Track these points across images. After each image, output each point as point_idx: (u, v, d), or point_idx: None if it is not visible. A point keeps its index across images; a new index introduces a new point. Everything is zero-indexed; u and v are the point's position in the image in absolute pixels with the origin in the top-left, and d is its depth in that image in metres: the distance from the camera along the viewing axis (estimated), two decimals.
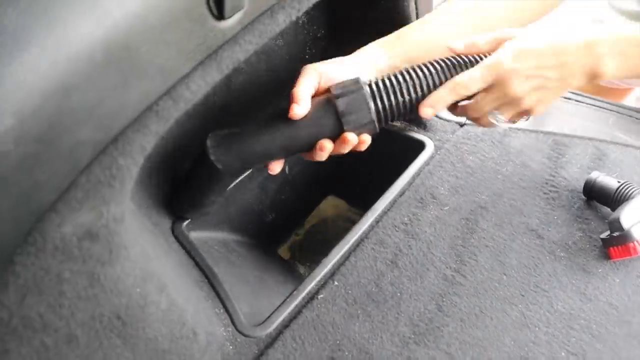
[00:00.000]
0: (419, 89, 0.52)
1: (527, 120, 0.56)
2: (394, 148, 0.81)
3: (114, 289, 0.39)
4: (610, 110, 0.83)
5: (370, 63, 0.58)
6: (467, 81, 0.52)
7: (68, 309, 0.36)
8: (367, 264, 0.62)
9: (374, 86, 0.52)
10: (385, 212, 0.67)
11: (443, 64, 0.53)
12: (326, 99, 0.52)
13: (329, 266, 0.61)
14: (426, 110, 0.52)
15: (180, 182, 0.62)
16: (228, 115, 0.67)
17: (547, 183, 0.71)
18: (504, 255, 0.63)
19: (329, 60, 0.57)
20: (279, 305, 0.57)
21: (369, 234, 0.65)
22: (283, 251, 0.85)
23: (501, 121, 0.54)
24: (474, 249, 0.63)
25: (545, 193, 0.70)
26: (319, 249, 0.83)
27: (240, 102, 0.68)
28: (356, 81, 0.51)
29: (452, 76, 0.52)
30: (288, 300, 0.58)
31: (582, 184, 0.69)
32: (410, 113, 0.53)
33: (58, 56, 0.30)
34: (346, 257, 0.62)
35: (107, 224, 0.37)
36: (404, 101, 0.52)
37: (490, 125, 0.55)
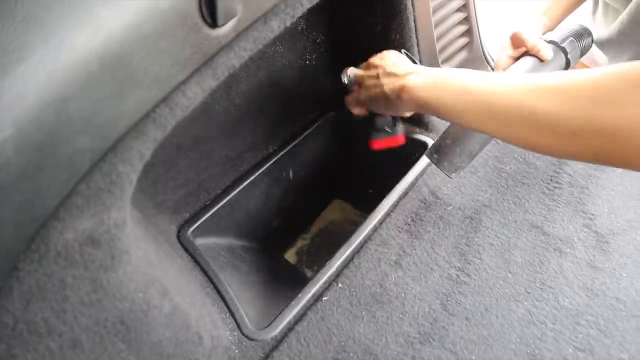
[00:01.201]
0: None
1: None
2: (398, 150, 0.81)
3: (117, 294, 0.40)
4: None
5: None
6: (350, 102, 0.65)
7: (72, 314, 0.37)
8: (371, 266, 0.62)
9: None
10: (388, 214, 0.67)
11: None
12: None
13: (333, 268, 0.61)
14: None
15: None
16: (230, 122, 0.68)
17: (551, 180, 0.71)
18: (508, 252, 0.62)
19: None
20: (284, 309, 0.58)
21: (373, 236, 0.65)
22: (290, 255, 0.85)
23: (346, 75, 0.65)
24: (478, 248, 0.63)
25: (549, 190, 0.70)
26: (326, 252, 0.83)
27: (241, 109, 0.68)
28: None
29: None
30: (293, 303, 0.58)
31: (588, 180, 0.69)
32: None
33: (55, 67, 0.31)
34: (350, 259, 0.63)
35: (109, 229, 0.38)
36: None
37: None
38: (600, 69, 0.39)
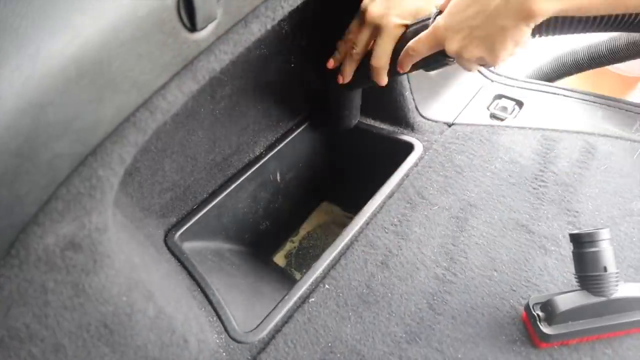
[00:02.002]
0: None
1: (484, 65, 0.57)
2: (384, 151, 0.82)
3: (100, 298, 0.40)
4: (599, 103, 0.84)
5: None
6: (417, 47, 0.57)
7: (54, 318, 0.37)
8: (358, 266, 0.62)
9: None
10: (374, 215, 0.68)
11: None
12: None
13: (320, 270, 0.61)
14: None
15: None
16: (215, 126, 0.69)
17: (536, 178, 0.72)
18: (494, 251, 0.63)
19: None
20: (271, 311, 0.58)
21: (359, 237, 0.65)
22: (279, 258, 0.86)
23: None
24: (464, 247, 0.64)
25: (534, 188, 0.70)
26: (315, 255, 0.84)
27: (226, 113, 0.69)
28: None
29: None
30: (280, 305, 0.58)
31: (572, 178, 0.70)
32: None
33: (31, 74, 0.31)
34: (336, 260, 0.63)
35: (90, 234, 0.38)
36: None
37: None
38: None
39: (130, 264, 0.44)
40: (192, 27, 0.39)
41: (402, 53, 0.60)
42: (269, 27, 0.48)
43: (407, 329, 0.56)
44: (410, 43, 0.58)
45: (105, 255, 0.40)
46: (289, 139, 0.80)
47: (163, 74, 0.39)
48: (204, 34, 0.40)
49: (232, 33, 0.44)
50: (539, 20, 0.46)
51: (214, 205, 0.71)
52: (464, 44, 0.52)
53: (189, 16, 0.38)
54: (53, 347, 0.38)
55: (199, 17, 0.38)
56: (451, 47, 0.53)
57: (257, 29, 0.46)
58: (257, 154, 0.77)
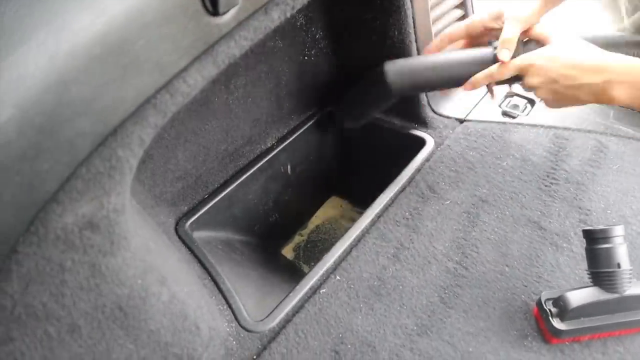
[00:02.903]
0: None
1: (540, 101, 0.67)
2: (395, 146, 0.82)
3: (115, 280, 0.40)
4: None
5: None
6: (502, 72, 0.63)
7: (70, 298, 0.37)
8: (369, 258, 0.62)
9: None
10: (386, 208, 0.68)
11: None
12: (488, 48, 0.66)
13: (331, 261, 0.61)
14: (467, 86, 0.66)
15: (351, 98, 0.76)
16: (229, 116, 0.69)
17: (548, 176, 0.71)
18: (505, 246, 0.63)
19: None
20: (282, 301, 0.58)
21: (371, 229, 0.65)
22: (287, 251, 0.86)
23: None
24: (475, 242, 0.63)
25: (546, 186, 0.70)
26: (323, 249, 0.84)
27: (240, 103, 0.69)
28: None
29: None
30: (291, 295, 0.58)
31: (584, 177, 0.70)
32: None
33: (57, 50, 0.31)
34: (348, 252, 0.63)
35: (108, 214, 0.38)
36: None
37: None
38: None
39: (145, 247, 0.44)
40: (215, 12, 0.39)
41: (483, 73, 0.64)
42: (288, 15, 0.48)
43: (419, 322, 0.56)
44: (497, 67, 0.63)
45: (122, 237, 0.40)
46: (300, 131, 0.80)
47: (184, 57, 0.39)
48: (225, 18, 0.40)
49: (252, 19, 0.44)
50: (614, 104, 0.57)
51: (224, 195, 0.71)
52: (540, 86, 0.62)
53: (212, 1, 0.38)
54: (69, 327, 0.38)
55: (222, 2, 0.38)
56: (531, 82, 0.62)
57: (277, 16, 0.46)
58: (269, 145, 0.77)
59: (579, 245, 0.62)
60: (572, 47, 0.60)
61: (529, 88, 0.63)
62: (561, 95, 0.61)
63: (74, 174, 0.35)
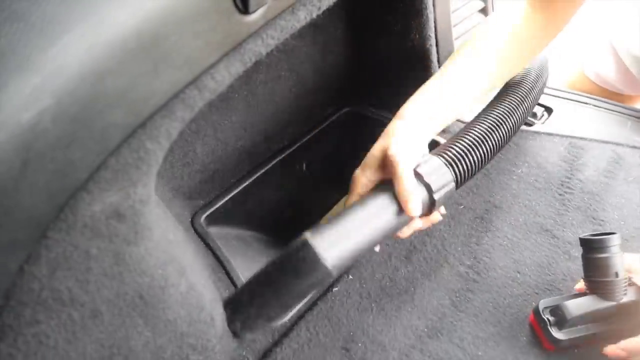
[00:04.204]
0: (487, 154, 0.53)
1: None
2: None
3: (138, 269, 0.41)
4: (628, 114, 0.84)
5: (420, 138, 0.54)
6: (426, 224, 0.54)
7: (94, 284, 0.38)
8: (382, 259, 0.63)
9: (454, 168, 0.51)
10: None
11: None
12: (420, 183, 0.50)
13: None
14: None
15: (247, 287, 0.52)
16: (248, 112, 0.69)
17: (562, 185, 0.72)
18: (518, 253, 0.63)
19: (402, 145, 0.52)
20: None
21: None
22: None
23: None
24: (488, 247, 0.64)
25: (560, 194, 0.70)
26: None
27: (259, 100, 0.69)
28: (438, 162, 0.51)
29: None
30: None
31: (599, 187, 0.70)
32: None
33: (95, 43, 0.32)
34: None
35: (134, 204, 0.39)
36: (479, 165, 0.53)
37: None
38: None
39: (166, 238, 0.45)
40: (245, 10, 0.39)
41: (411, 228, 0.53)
42: (314, 15, 0.49)
43: (429, 324, 0.56)
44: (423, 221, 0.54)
45: (146, 227, 0.40)
46: (317, 130, 0.80)
47: (214, 53, 0.39)
48: (254, 17, 0.41)
49: (279, 19, 0.44)
50: None
51: (240, 190, 0.72)
52: None
53: None
54: (91, 313, 0.39)
55: (252, 0, 0.39)
56: None
57: (303, 17, 0.47)
58: (286, 143, 0.78)
59: None
60: None
61: None
62: None
63: (103, 164, 0.36)
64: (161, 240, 0.44)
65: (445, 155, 0.52)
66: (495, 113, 0.57)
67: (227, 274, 0.61)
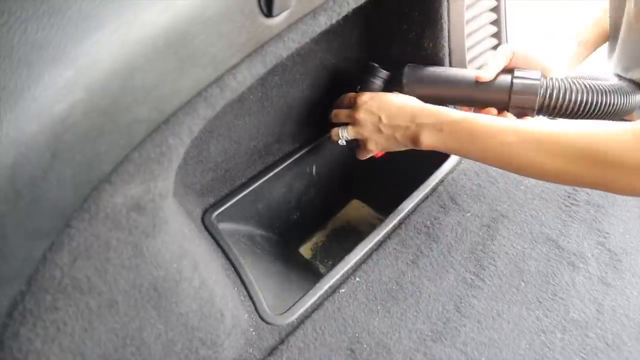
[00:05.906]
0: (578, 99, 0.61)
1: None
2: (419, 156, 0.83)
3: (154, 261, 0.42)
4: None
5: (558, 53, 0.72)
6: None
7: (112, 275, 0.39)
8: (389, 263, 0.63)
9: (547, 82, 0.61)
10: (408, 215, 0.69)
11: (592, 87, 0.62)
12: (508, 76, 0.64)
13: (351, 263, 0.63)
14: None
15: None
16: (261, 113, 0.70)
17: (568, 196, 0.72)
18: (522, 262, 0.64)
19: (525, 44, 0.68)
20: (302, 297, 0.59)
21: (392, 235, 0.67)
22: (305, 250, 0.87)
23: (343, 137, 0.68)
24: (493, 255, 0.65)
25: (566, 206, 0.71)
26: (340, 250, 0.85)
27: (273, 102, 0.70)
28: (536, 73, 0.63)
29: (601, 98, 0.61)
30: (310, 292, 0.60)
31: (604, 200, 0.71)
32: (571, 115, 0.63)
33: (127, 39, 0.33)
34: (368, 255, 0.64)
35: (154, 198, 0.40)
36: (562, 105, 0.61)
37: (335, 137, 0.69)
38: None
39: (181, 233, 0.46)
40: (269, 13, 0.41)
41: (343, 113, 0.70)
42: (334, 20, 0.50)
43: (433, 328, 0.57)
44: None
45: (164, 221, 0.41)
46: (328, 135, 0.81)
47: (237, 54, 0.40)
48: (277, 20, 0.42)
49: (301, 23, 0.46)
50: (422, 148, 0.61)
51: (250, 190, 0.73)
52: (371, 125, 0.66)
53: (267, 2, 0.40)
54: (108, 302, 0.40)
55: (276, 4, 0.40)
56: (360, 115, 0.66)
57: (324, 22, 0.48)
58: (297, 145, 0.79)
59: (596, 267, 0.63)
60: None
61: (355, 121, 0.66)
62: (382, 134, 0.64)
63: (127, 157, 0.37)
64: (177, 234, 0.45)
65: (549, 79, 0.61)
66: (611, 86, 0.61)
67: (236, 270, 0.62)
